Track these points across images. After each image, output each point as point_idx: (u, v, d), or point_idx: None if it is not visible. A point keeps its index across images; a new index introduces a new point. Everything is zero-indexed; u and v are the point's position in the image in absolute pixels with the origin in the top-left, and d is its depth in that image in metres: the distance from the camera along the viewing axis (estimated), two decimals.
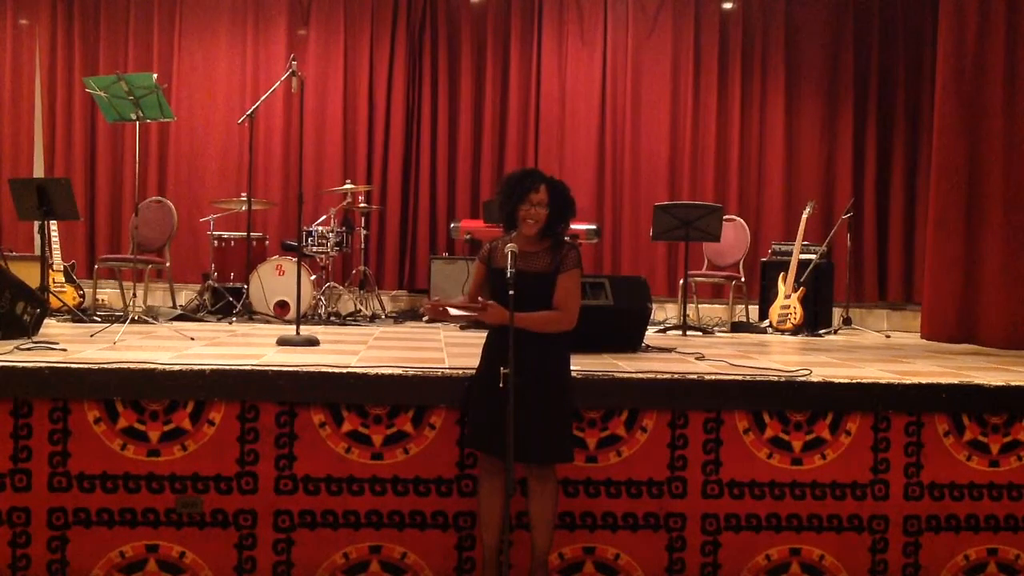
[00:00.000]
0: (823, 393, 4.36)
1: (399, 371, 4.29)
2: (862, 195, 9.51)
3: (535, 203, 3.75)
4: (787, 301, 7.83)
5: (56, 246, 7.89)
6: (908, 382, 4.44)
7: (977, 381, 4.52)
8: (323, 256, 7.95)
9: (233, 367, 4.29)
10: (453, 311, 3.79)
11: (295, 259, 7.13)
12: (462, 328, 7.07)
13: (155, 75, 6.83)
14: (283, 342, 5.39)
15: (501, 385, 3.53)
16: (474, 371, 4.01)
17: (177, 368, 4.18)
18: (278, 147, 9.42)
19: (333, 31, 9.51)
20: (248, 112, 6.81)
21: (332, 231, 7.91)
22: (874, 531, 4.37)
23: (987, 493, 4.42)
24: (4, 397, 4.09)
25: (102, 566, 4.14)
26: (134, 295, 7.22)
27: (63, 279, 7.91)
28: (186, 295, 8.81)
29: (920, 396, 4.36)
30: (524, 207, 3.76)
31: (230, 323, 7.12)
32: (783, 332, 7.73)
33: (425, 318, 8.17)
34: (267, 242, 8.45)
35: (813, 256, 8.05)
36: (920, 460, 4.37)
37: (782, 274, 8.01)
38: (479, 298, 3.86)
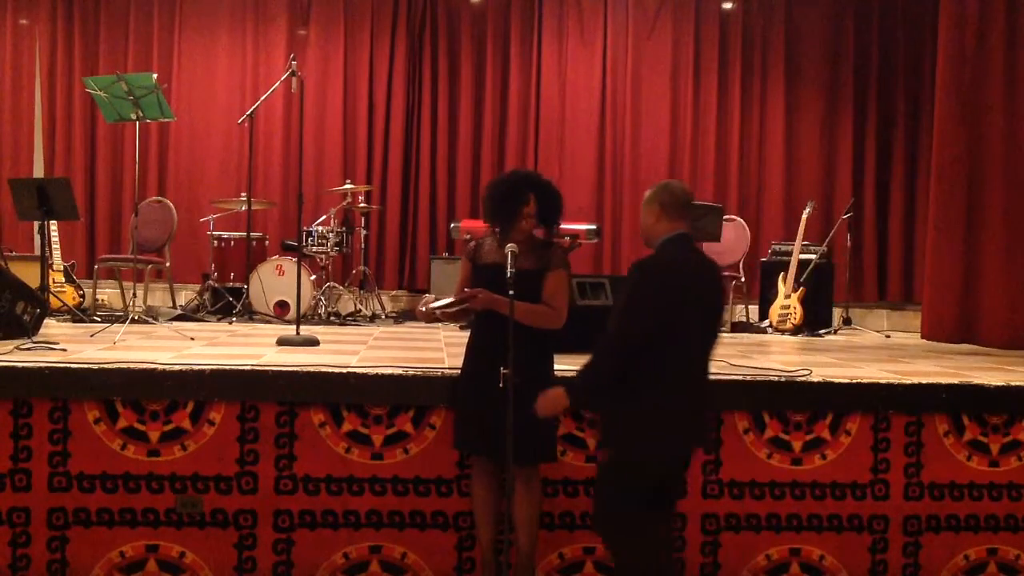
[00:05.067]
0: (823, 393, 4.36)
1: (399, 371, 4.29)
2: (862, 195, 9.50)
3: (527, 215, 3.79)
4: (787, 301, 7.83)
5: (56, 246, 7.88)
6: (908, 382, 4.44)
7: (977, 381, 4.52)
8: (323, 256, 7.95)
9: (233, 367, 4.29)
10: (443, 310, 3.80)
11: (295, 259, 7.12)
12: (462, 328, 7.06)
13: (155, 75, 6.83)
14: (283, 342, 5.39)
15: (500, 385, 3.54)
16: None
17: (177, 368, 4.18)
18: (278, 147, 9.42)
19: (333, 31, 9.51)
20: (248, 112, 6.81)
21: (332, 231, 7.90)
22: (874, 531, 4.37)
23: (987, 493, 4.42)
24: (4, 397, 4.09)
25: (102, 566, 4.14)
26: (134, 295, 7.22)
27: (63, 279, 7.91)
28: (186, 295, 8.81)
29: (920, 396, 4.37)
30: (517, 221, 3.78)
31: (230, 323, 7.12)
32: (783, 332, 7.73)
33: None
34: (267, 242, 8.44)
35: (813, 256, 8.05)
36: (920, 460, 4.38)
37: (782, 274, 8.00)
38: (465, 288, 3.87)
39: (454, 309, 3.80)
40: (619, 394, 3.37)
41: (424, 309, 3.85)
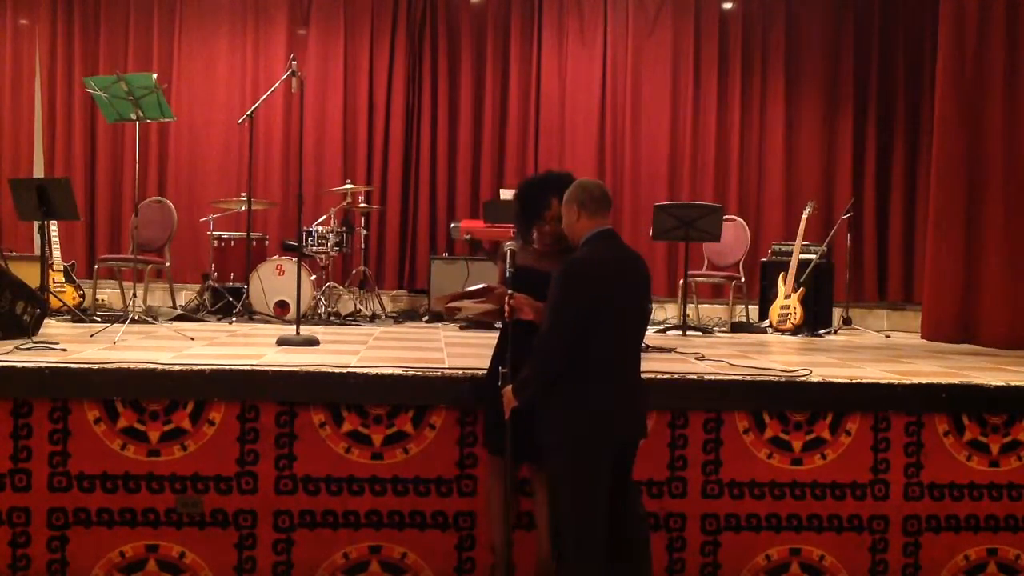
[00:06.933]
0: (823, 393, 4.36)
1: (399, 371, 4.29)
2: (862, 195, 9.50)
3: (548, 220, 3.75)
4: (787, 301, 7.83)
5: (56, 246, 7.88)
6: (908, 382, 4.44)
7: (977, 381, 4.52)
8: (323, 256, 7.95)
9: (233, 367, 4.29)
10: (466, 302, 3.81)
11: (295, 259, 7.12)
12: (462, 328, 7.07)
13: (155, 75, 6.82)
14: (283, 342, 5.39)
15: (500, 383, 3.54)
16: (476, 371, 4.01)
17: (177, 368, 4.18)
18: (278, 147, 9.42)
19: (333, 31, 9.51)
20: (248, 112, 6.82)
21: (332, 231, 7.90)
22: (874, 531, 4.37)
23: (987, 493, 4.42)
24: (4, 397, 4.09)
25: (102, 566, 4.14)
26: (134, 295, 7.22)
27: (63, 279, 7.91)
28: (186, 295, 8.81)
29: (920, 396, 4.37)
30: (538, 224, 3.77)
31: (230, 323, 7.12)
32: (783, 332, 7.72)
33: (425, 318, 8.17)
34: (267, 242, 8.44)
35: (813, 256, 8.05)
36: (920, 460, 4.38)
37: (782, 274, 8.00)
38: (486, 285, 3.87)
39: (479, 304, 3.79)
40: (551, 389, 3.44)
41: (450, 303, 3.85)
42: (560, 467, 3.47)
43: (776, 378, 4.47)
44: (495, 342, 3.96)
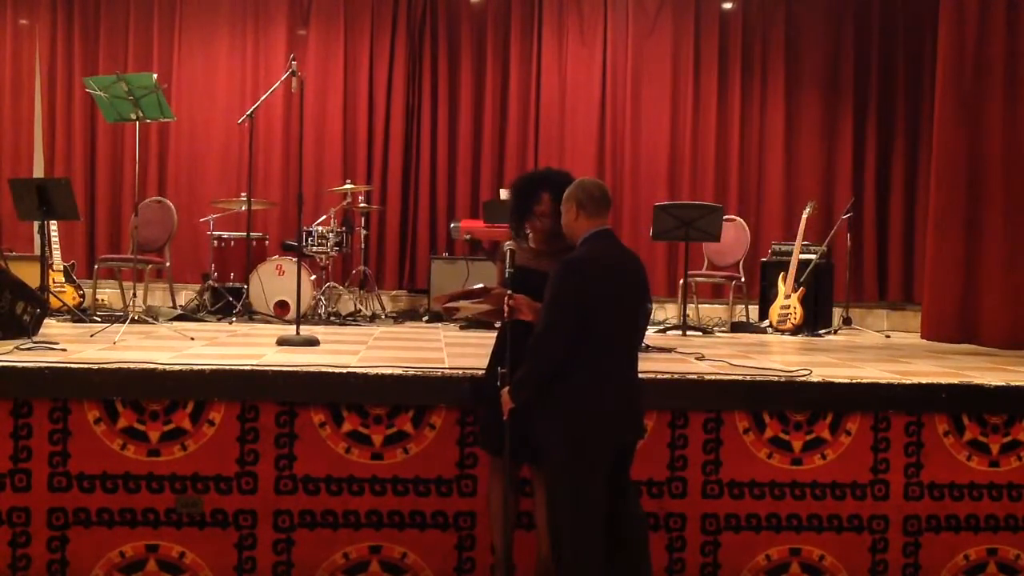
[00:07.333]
0: (823, 393, 4.36)
1: (399, 371, 4.29)
2: (862, 195, 9.50)
3: (539, 215, 3.75)
4: (787, 301, 7.83)
5: (56, 246, 7.88)
6: (908, 382, 4.44)
7: (977, 381, 4.52)
8: (323, 256, 7.95)
9: (233, 367, 4.29)
10: (465, 302, 3.82)
11: (295, 259, 7.13)
12: (461, 328, 7.07)
13: (155, 75, 6.83)
14: (283, 342, 5.39)
15: (499, 383, 3.54)
16: (476, 371, 4.01)
17: (177, 368, 4.18)
18: (278, 147, 9.42)
19: (333, 31, 9.51)
20: (248, 112, 6.82)
21: (332, 231, 7.91)
22: (874, 531, 4.38)
23: (987, 493, 4.42)
24: (4, 397, 4.09)
25: (102, 566, 4.14)
26: (134, 295, 7.21)
27: (63, 279, 7.91)
28: (186, 295, 8.81)
29: (920, 396, 4.37)
30: (529, 220, 3.77)
31: (230, 323, 7.12)
32: (783, 332, 7.73)
33: (425, 318, 8.17)
34: (267, 242, 8.44)
35: (813, 256, 8.05)
36: (920, 460, 4.38)
37: (782, 274, 8.00)
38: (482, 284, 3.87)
39: (478, 304, 3.79)
40: (548, 389, 3.44)
41: (449, 303, 3.85)
42: (558, 467, 3.47)
43: (776, 378, 4.47)
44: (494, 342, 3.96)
